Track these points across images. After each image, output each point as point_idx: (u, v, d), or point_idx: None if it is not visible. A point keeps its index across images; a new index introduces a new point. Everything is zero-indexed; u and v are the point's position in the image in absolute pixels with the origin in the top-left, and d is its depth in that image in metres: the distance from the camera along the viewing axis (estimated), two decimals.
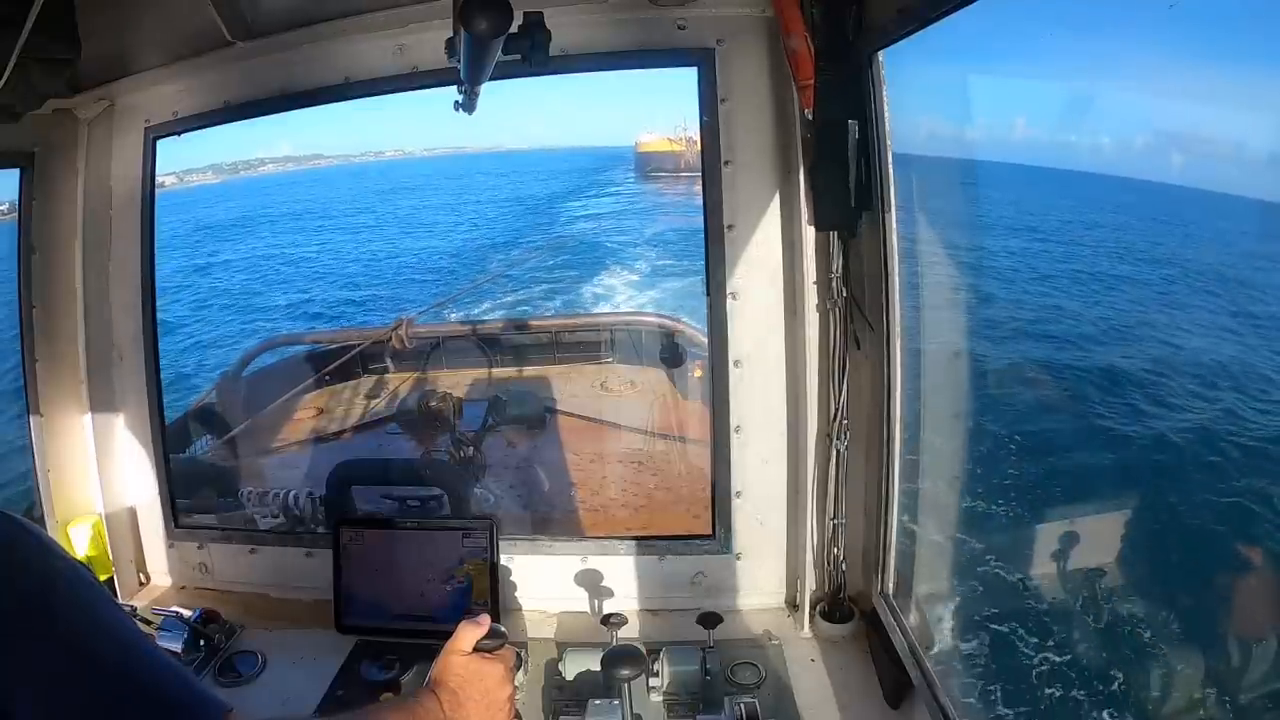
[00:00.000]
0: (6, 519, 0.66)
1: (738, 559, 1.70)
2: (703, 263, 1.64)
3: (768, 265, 1.60)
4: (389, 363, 4.31)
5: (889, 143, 1.39)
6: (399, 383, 4.21)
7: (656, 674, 1.43)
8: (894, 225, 1.41)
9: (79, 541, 1.85)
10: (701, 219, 1.62)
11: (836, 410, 1.54)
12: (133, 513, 1.93)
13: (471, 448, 3.12)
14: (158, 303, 1.86)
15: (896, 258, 1.43)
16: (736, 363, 1.63)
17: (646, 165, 43.46)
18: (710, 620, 1.46)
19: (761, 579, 1.71)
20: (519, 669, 1.46)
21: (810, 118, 1.40)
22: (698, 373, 3.53)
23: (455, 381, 4.13)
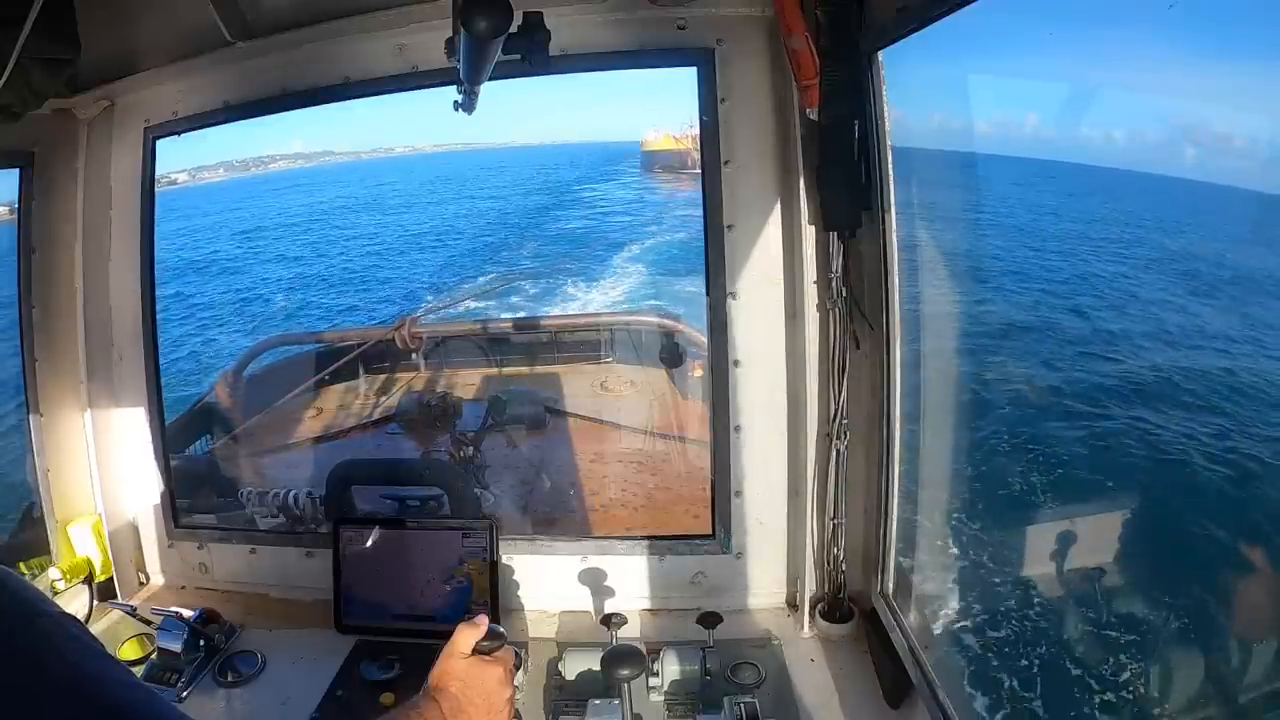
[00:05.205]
0: None
1: (738, 559, 1.70)
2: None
3: (768, 265, 1.60)
4: (389, 362, 4.31)
5: (889, 142, 1.39)
6: (399, 382, 4.21)
7: (656, 674, 1.43)
8: (894, 225, 1.41)
9: (79, 541, 1.85)
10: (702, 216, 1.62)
11: (836, 410, 1.54)
12: (133, 512, 1.93)
13: (471, 447, 3.12)
14: (157, 301, 1.86)
15: (896, 258, 1.42)
16: (736, 363, 1.63)
17: (653, 163, 43.41)
18: (710, 620, 1.46)
19: (761, 579, 1.71)
20: (519, 669, 1.46)
21: (814, 118, 1.40)
22: (698, 372, 3.53)
23: (455, 381, 4.13)
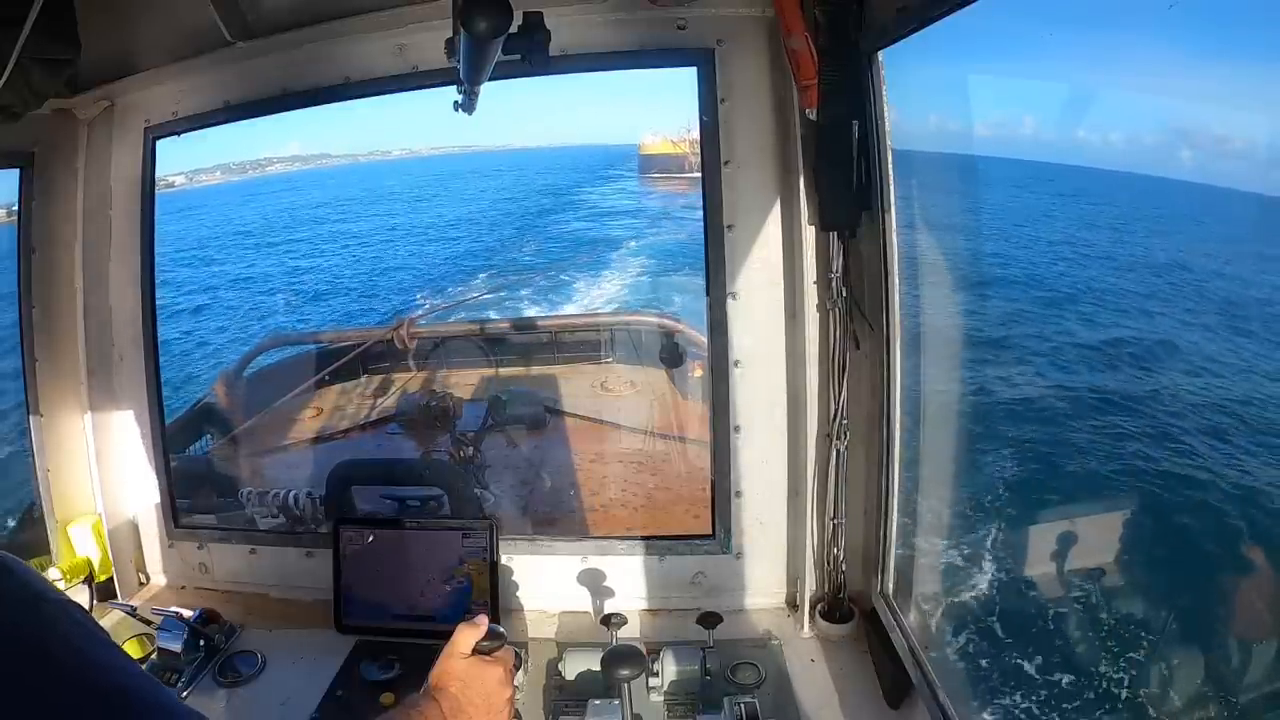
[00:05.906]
0: None
1: (738, 559, 1.70)
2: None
3: (768, 265, 1.60)
4: (389, 362, 4.31)
5: (889, 142, 1.39)
6: (399, 382, 4.21)
7: (656, 674, 1.43)
8: (894, 225, 1.41)
9: (79, 541, 1.85)
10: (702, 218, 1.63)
11: (836, 410, 1.54)
12: (132, 512, 1.93)
13: (471, 448, 3.12)
14: (157, 301, 1.86)
15: (896, 258, 1.42)
16: (736, 363, 1.63)
17: (651, 167, 43.28)
18: (710, 620, 1.46)
19: (761, 579, 1.71)
20: (519, 669, 1.46)
21: (813, 118, 1.40)
22: (698, 373, 3.53)
23: (455, 381, 4.13)
